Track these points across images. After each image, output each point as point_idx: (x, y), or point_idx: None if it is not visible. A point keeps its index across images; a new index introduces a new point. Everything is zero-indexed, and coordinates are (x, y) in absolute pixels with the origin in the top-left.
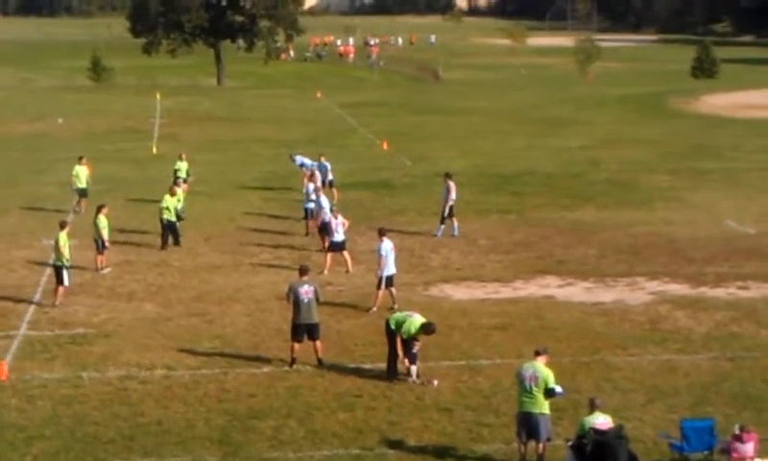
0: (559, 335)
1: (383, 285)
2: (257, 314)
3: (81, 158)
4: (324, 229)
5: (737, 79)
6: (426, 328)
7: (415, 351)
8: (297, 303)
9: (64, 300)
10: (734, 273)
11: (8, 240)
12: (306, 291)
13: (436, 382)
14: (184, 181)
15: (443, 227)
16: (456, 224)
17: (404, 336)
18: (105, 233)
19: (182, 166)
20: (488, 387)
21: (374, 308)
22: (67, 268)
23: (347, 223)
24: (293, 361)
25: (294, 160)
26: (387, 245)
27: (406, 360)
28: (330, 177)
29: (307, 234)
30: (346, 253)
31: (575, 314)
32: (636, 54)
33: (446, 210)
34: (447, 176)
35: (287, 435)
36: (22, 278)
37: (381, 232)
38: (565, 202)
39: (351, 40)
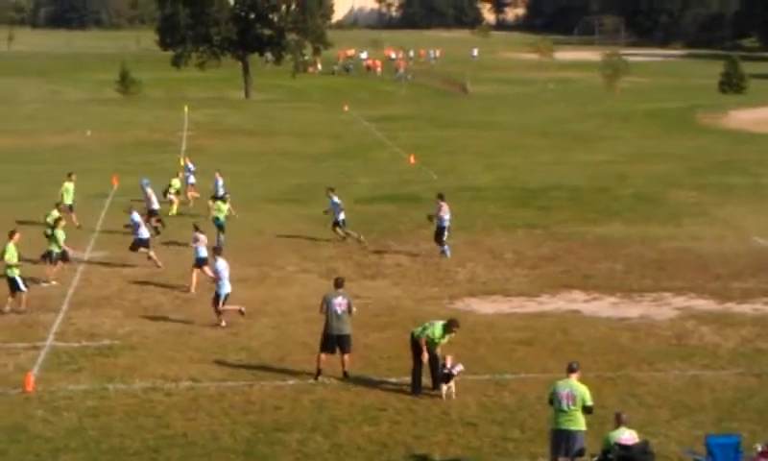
0: (584, 350)
1: (220, 302)
2: (283, 327)
3: (70, 175)
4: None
5: (765, 94)
6: (450, 326)
7: (446, 371)
8: (329, 314)
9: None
10: (761, 288)
11: (34, 252)
12: (340, 303)
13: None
14: (177, 192)
15: (445, 247)
16: (447, 246)
17: (428, 341)
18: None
19: (174, 182)
20: (513, 402)
21: (223, 323)
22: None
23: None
24: (318, 372)
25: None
26: (221, 264)
27: (442, 384)
28: (221, 192)
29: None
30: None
31: (601, 329)
32: (663, 69)
33: (441, 233)
34: (440, 197)
35: (312, 448)
36: (49, 288)
37: (216, 251)
38: (592, 216)
39: (398, 53)
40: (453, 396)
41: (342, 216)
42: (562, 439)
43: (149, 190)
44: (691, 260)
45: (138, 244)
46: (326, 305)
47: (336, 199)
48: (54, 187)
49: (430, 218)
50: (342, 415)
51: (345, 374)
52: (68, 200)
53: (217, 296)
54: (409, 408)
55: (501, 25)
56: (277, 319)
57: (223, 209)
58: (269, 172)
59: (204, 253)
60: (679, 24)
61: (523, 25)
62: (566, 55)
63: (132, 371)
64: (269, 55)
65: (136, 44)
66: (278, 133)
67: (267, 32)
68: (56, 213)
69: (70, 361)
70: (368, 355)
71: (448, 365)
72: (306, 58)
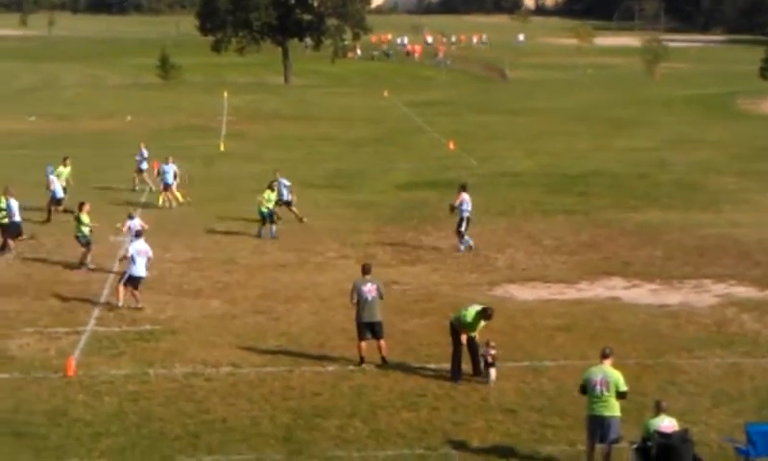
0: (624, 337)
1: (123, 281)
2: (323, 312)
3: (65, 159)
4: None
5: None
6: (484, 314)
7: (484, 354)
8: (360, 301)
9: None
10: None
11: (74, 237)
12: (369, 289)
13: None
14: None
15: (465, 240)
16: (468, 237)
17: (463, 325)
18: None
19: (168, 168)
20: (552, 388)
21: (120, 303)
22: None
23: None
24: (361, 360)
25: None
26: (140, 245)
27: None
28: (170, 180)
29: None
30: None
31: (640, 316)
32: (703, 54)
33: (460, 223)
34: (462, 187)
35: (351, 434)
36: (90, 274)
37: (138, 234)
38: (632, 203)
39: (437, 38)
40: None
41: (290, 197)
42: (596, 425)
43: (52, 178)
44: (731, 247)
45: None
46: (356, 293)
47: (286, 181)
48: (95, 173)
49: (452, 209)
50: (381, 401)
51: (383, 359)
52: (62, 184)
53: (124, 273)
54: (448, 394)
55: (540, 10)
56: (317, 304)
57: (271, 199)
58: (308, 157)
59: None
60: (719, 9)
61: (562, 10)
62: (606, 40)
63: (173, 356)
64: (308, 40)
65: (176, 29)
66: (318, 119)
67: (307, 17)
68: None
69: (111, 346)
70: (407, 341)
71: (491, 352)
72: (346, 43)
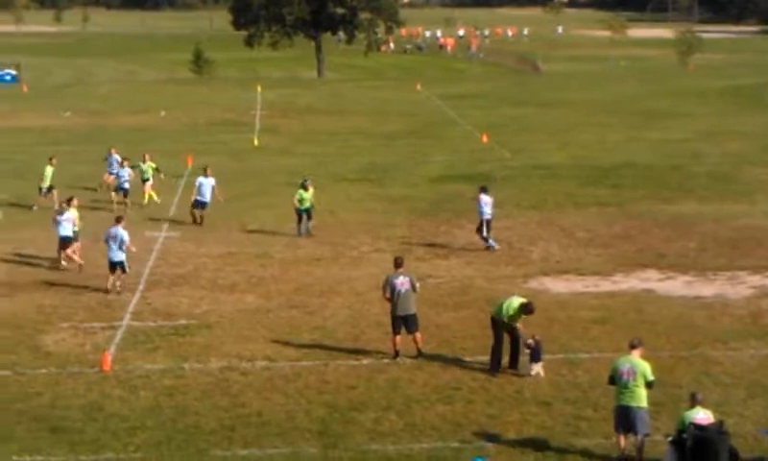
0: (658, 329)
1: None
2: (357, 306)
3: (51, 159)
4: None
5: None
6: (526, 308)
7: (528, 346)
8: (393, 294)
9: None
10: None
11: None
12: (402, 282)
13: (534, 372)
14: (147, 180)
15: (490, 241)
16: (491, 240)
17: (506, 318)
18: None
19: (147, 166)
20: (586, 381)
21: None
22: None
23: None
24: (396, 354)
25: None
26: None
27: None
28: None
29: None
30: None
31: (675, 308)
32: (737, 45)
33: (480, 226)
34: (482, 189)
35: (387, 427)
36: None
37: (118, 220)
38: (665, 194)
39: (470, 31)
40: (540, 374)
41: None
42: (623, 415)
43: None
44: (766, 238)
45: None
46: (389, 287)
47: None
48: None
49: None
50: (416, 394)
51: (419, 352)
52: (45, 183)
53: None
54: (483, 387)
55: (573, 2)
56: (351, 299)
57: (306, 197)
58: (342, 151)
59: (68, 232)
60: (753, 0)
61: (595, 2)
62: (639, 32)
63: (208, 350)
64: (341, 34)
65: (210, 24)
66: (351, 113)
67: (340, 11)
68: None
69: (147, 340)
70: (441, 335)
71: (531, 343)
72: (379, 36)
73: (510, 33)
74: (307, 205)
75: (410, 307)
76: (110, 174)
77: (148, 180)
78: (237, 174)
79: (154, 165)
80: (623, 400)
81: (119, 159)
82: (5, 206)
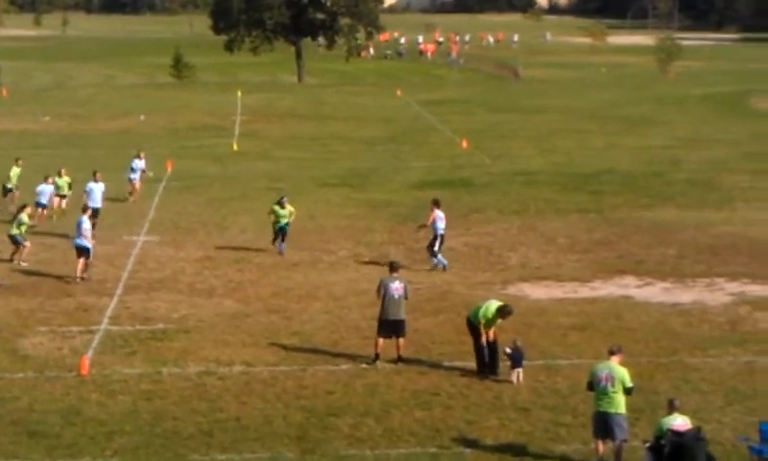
0: (637, 336)
1: None
2: (336, 311)
3: (17, 160)
4: None
5: None
6: (503, 311)
7: (506, 353)
8: (386, 298)
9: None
10: None
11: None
12: (397, 288)
13: (514, 378)
14: (63, 196)
15: (438, 259)
16: (441, 257)
17: (483, 322)
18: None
19: (63, 181)
20: (565, 387)
21: None
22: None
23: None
24: (377, 357)
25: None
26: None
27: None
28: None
29: None
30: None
31: (654, 314)
32: (717, 52)
33: (433, 241)
34: (435, 203)
35: (365, 433)
36: (103, 272)
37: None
38: (645, 201)
39: (451, 37)
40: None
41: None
42: (601, 421)
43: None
44: (745, 246)
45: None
46: (383, 290)
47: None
48: (109, 172)
49: (420, 227)
50: (394, 399)
51: (399, 358)
52: (10, 183)
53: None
54: (461, 393)
55: (554, 9)
56: (330, 304)
57: (283, 214)
58: (322, 156)
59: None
60: (733, 7)
61: (576, 9)
62: (620, 39)
63: (186, 354)
64: (321, 39)
65: (190, 29)
66: (331, 118)
67: (320, 16)
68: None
69: (124, 345)
70: (420, 340)
71: (509, 351)
72: (359, 42)
73: (491, 39)
74: (283, 222)
75: (400, 313)
76: (132, 180)
77: (64, 196)
78: (217, 178)
79: (69, 180)
80: (601, 406)
81: (143, 165)
82: None
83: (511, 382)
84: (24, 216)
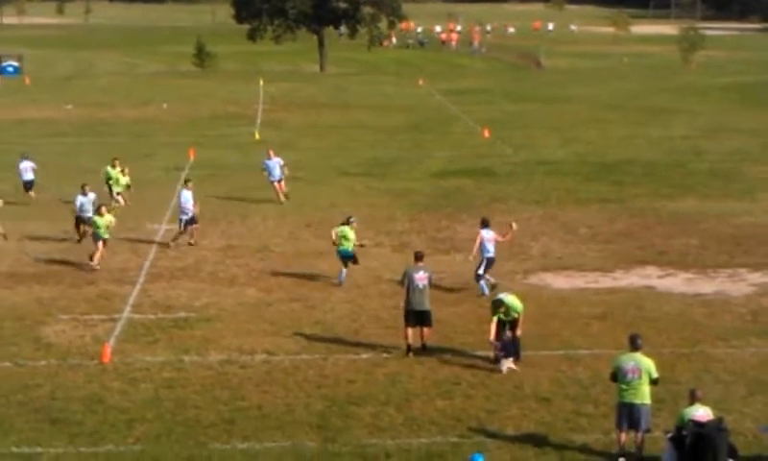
0: (659, 326)
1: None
2: (358, 300)
3: (114, 160)
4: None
5: None
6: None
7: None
8: (410, 288)
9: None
10: None
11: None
12: (421, 277)
13: (504, 368)
14: (118, 193)
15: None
16: (483, 282)
17: (515, 314)
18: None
19: (115, 173)
20: (586, 377)
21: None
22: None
23: None
24: (408, 348)
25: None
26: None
27: (501, 354)
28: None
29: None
30: None
31: (675, 305)
32: (740, 42)
33: (481, 266)
34: (483, 223)
35: (386, 422)
36: (126, 261)
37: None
38: (667, 191)
39: (472, 27)
40: (510, 369)
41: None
42: (626, 412)
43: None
44: (767, 236)
45: None
46: (407, 280)
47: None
48: (130, 162)
49: (470, 257)
50: (415, 389)
51: (423, 346)
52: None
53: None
54: (482, 383)
55: None
56: (352, 293)
57: (350, 238)
58: (343, 145)
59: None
60: None
61: None
62: (642, 28)
63: (208, 343)
64: (343, 28)
65: (212, 18)
66: (353, 107)
67: (342, 5)
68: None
69: (146, 333)
70: (442, 330)
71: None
72: (381, 31)
73: (511, 30)
74: (349, 246)
75: (425, 303)
76: (273, 181)
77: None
78: (239, 167)
79: (128, 180)
80: (627, 396)
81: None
82: (5, 198)
83: (501, 372)
84: (108, 217)
